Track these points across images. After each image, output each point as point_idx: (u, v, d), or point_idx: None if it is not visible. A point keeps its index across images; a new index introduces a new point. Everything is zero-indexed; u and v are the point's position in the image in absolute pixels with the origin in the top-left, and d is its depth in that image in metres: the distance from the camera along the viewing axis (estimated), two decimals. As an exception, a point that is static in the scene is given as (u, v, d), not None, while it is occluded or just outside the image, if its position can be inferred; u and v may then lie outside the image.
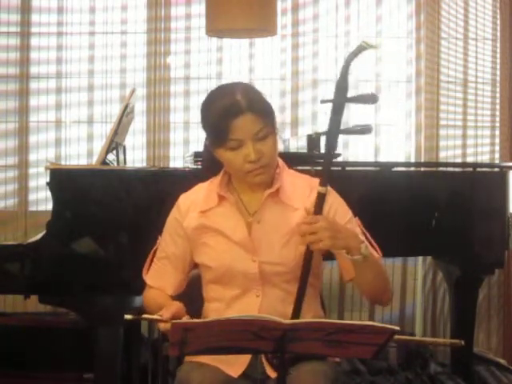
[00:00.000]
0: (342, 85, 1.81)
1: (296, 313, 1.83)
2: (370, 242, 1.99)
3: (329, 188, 1.96)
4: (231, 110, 1.89)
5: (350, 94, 1.87)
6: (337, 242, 1.81)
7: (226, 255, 1.99)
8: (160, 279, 2.09)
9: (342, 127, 1.87)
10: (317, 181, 1.89)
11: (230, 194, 2.03)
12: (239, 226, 2.00)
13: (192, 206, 2.05)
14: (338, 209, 2.01)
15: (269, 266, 1.97)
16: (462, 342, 1.69)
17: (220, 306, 2.02)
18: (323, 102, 4.06)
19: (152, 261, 2.11)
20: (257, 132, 1.91)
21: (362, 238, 1.97)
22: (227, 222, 2.00)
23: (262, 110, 1.93)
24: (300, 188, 2.03)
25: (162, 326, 1.81)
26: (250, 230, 1.99)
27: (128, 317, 1.78)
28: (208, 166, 2.07)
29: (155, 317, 1.83)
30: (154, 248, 2.11)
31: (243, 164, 1.93)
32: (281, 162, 2.06)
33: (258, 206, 2.01)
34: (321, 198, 1.84)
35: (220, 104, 1.92)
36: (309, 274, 1.85)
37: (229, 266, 1.98)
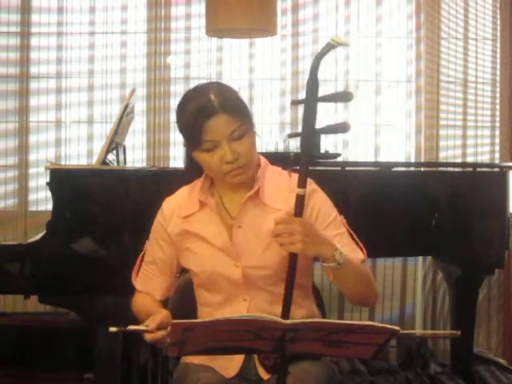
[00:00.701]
0: (312, 84, 1.77)
1: (285, 314, 1.78)
2: (356, 242, 1.96)
3: (314, 186, 1.94)
4: (204, 111, 1.85)
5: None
6: (308, 247, 1.76)
7: (209, 261, 1.96)
8: (148, 284, 2.08)
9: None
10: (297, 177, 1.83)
11: (212, 198, 1.99)
12: (220, 232, 1.96)
13: (175, 210, 2.02)
14: (320, 209, 1.96)
15: (252, 271, 1.94)
16: (459, 332, 1.69)
17: (210, 310, 2.00)
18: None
19: (140, 265, 2.10)
20: (232, 132, 1.86)
21: (348, 238, 1.95)
22: (208, 228, 1.97)
23: (236, 110, 1.88)
24: (283, 187, 1.98)
25: (149, 337, 1.78)
26: (232, 235, 1.96)
27: (113, 329, 1.71)
28: (191, 168, 2.02)
29: (141, 327, 1.79)
30: (142, 252, 2.09)
31: (220, 165, 1.88)
32: (263, 160, 2.01)
33: (239, 209, 1.97)
34: (300, 200, 1.78)
35: (193, 105, 1.88)
36: (295, 275, 1.80)
37: (212, 271, 1.96)
